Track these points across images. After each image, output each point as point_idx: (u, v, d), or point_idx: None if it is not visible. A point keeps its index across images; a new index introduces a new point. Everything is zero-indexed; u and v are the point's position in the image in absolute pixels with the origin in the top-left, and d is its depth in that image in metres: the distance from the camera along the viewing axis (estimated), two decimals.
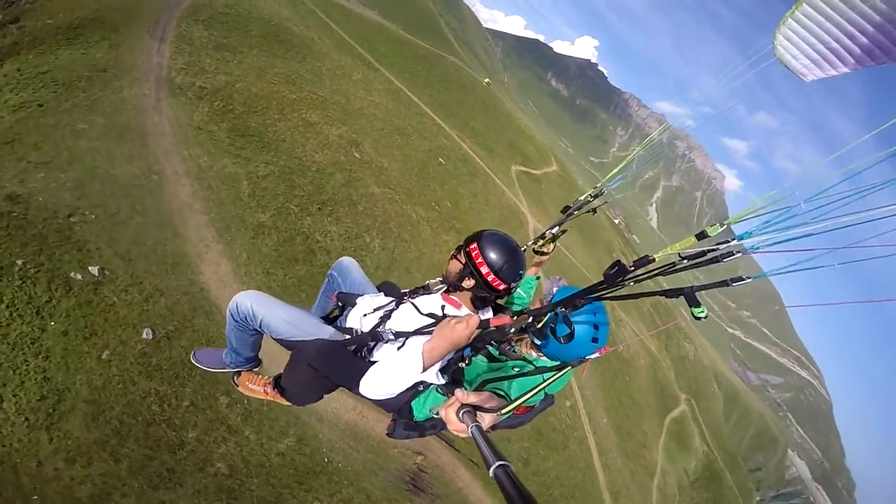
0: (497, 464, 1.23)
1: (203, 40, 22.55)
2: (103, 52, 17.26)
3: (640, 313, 61.71)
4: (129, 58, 17.97)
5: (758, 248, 2.06)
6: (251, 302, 2.86)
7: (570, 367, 2.63)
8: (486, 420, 1.68)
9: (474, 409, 1.66)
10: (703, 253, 2.15)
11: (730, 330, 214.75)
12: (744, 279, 2.14)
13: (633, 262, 2.16)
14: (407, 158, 26.35)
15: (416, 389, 2.57)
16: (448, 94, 46.85)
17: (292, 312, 2.93)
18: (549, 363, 2.75)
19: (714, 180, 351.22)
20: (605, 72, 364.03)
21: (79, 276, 9.71)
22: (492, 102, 59.89)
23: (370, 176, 21.51)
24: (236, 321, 2.95)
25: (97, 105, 14.52)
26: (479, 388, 2.49)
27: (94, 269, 9.93)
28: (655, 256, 2.20)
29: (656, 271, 2.25)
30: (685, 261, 2.18)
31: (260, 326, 2.90)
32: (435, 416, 2.33)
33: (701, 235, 2.29)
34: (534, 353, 2.82)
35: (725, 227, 2.34)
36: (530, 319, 2.61)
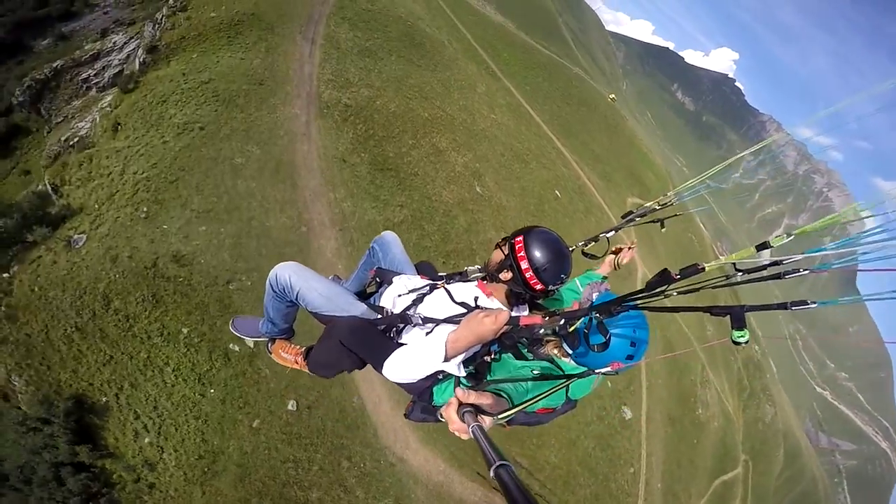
0: (498, 464, 1.22)
1: (349, 43, 23.07)
2: (260, 57, 18.31)
3: (727, 372, 55.95)
4: (283, 65, 18.89)
5: (830, 267, 1.81)
6: (290, 273, 2.87)
7: (593, 374, 2.53)
8: (488, 420, 1.65)
9: (475, 409, 1.63)
10: (764, 267, 1.94)
11: (818, 390, 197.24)
12: (808, 304, 1.80)
13: (680, 270, 2.04)
14: (525, 192, 26.05)
15: (437, 380, 2.58)
16: (569, 110, 44.75)
17: (328, 287, 2.93)
18: (574, 368, 2.64)
19: (850, 227, 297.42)
20: (741, 88, 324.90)
21: (236, 349, 10.83)
22: (614, 121, 56.39)
23: (489, 216, 21.65)
24: (275, 291, 2.96)
25: (254, 129, 15.58)
26: (482, 389, 2.39)
27: (250, 342, 10.62)
28: (706, 266, 2.04)
29: (703, 283, 2.07)
30: (740, 273, 2.01)
31: (296, 298, 2.91)
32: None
33: (762, 246, 2.14)
34: (561, 356, 2.69)
35: (792, 237, 2.12)
36: (562, 322, 2.40)
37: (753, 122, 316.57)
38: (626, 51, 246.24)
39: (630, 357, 2.49)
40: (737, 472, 49.21)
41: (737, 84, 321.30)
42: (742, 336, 1.87)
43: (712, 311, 1.94)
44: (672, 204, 3.58)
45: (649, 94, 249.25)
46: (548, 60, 50.97)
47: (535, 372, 2.57)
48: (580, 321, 2.34)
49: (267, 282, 2.99)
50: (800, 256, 1.84)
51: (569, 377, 2.48)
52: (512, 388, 2.33)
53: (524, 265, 2.59)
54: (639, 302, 2.09)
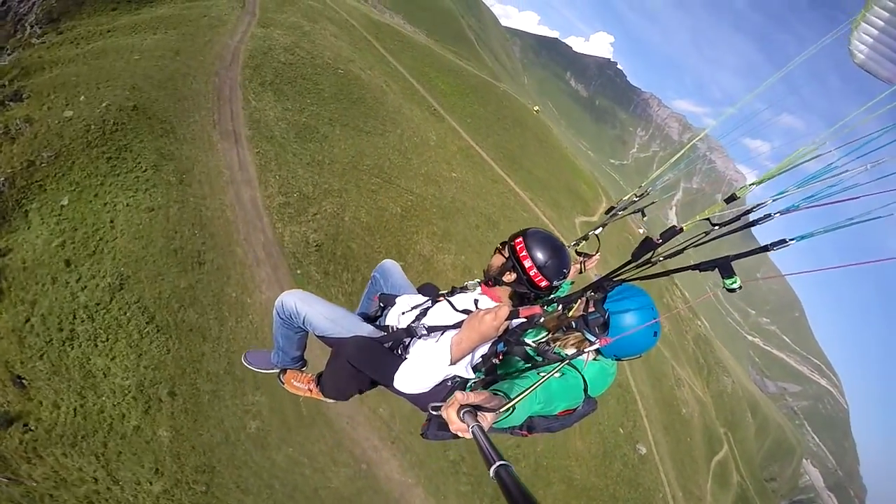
0: (498, 464, 1.22)
1: (282, 125, 18.91)
2: (175, 200, 12.86)
3: (686, 356, 60.58)
4: (214, 204, 13.66)
5: (797, 207, 1.94)
6: (295, 300, 2.91)
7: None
8: (488, 419, 1.66)
9: (475, 409, 1.64)
10: (737, 218, 2.04)
11: (749, 338, 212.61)
12: (787, 241, 1.88)
13: (661, 234, 2.13)
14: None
15: (452, 387, 2.56)
16: (508, 136, 44.26)
17: (334, 310, 2.96)
18: (592, 365, 2.63)
19: (735, 182, 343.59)
20: (623, 70, 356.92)
21: None
22: (543, 135, 56.90)
23: None
24: (282, 318, 3.00)
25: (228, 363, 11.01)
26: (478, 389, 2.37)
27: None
28: (684, 226, 2.14)
29: (687, 242, 2.15)
30: (716, 227, 2.14)
31: (303, 323, 2.93)
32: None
33: (731, 199, 2.24)
34: (589, 355, 2.63)
35: (754, 186, 2.17)
36: (560, 307, 2.53)
37: (638, 101, 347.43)
38: (521, 44, 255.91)
39: (655, 334, 2.49)
40: (724, 449, 53.73)
41: (618, 67, 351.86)
42: (733, 282, 1.96)
43: (700, 267, 2.00)
44: (648, 193, 3.51)
45: (547, 85, 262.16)
46: (477, 81, 49.80)
47: (542, 375, 2.24)
48: (591, 314, 2.40)
49: (273, 310, 3.03)
50: (769, 200, 1.96)
51: (562, 360, 2.29)
52: (506, 387, 2.13)
53: (527, 264, 2.57)
54: (628, 274, 2.26)
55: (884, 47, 2.82)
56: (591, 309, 2.49)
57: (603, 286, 2.32)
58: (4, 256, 10.00)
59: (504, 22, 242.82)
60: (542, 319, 2.41)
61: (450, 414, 1.64)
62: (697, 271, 1.99)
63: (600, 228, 3.63)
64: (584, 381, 2.52)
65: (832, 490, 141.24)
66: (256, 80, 20.98)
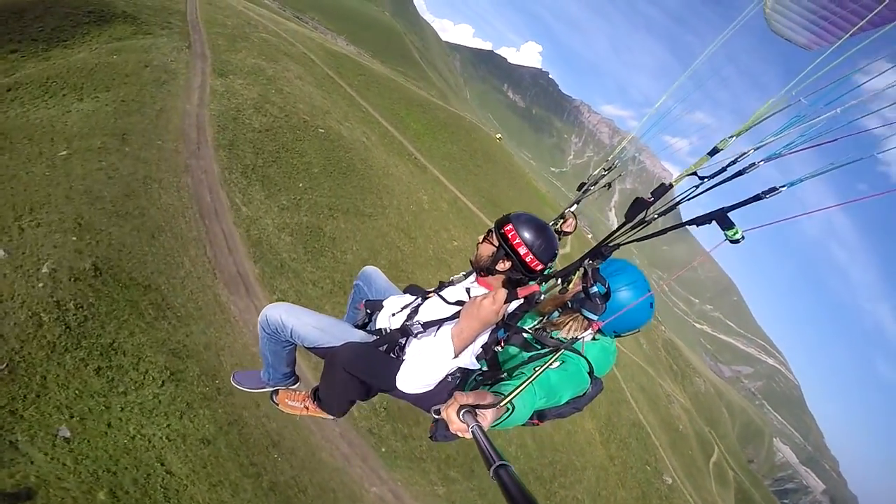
0: (498, 464, 1.21)
1: (287, 242, 15.44)
2: (202, 402, 9.27)
3: (662, 366, 64.73)
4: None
5: (780, 154, 1.99)
6: (280, 312, 2.77)
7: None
8: (488, 419, 1.65)
9: (475, 408, 1.62)
10: (723, 169, 2.03)
11: (698, 326, 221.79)
12: (778, 189, 1.83)
13: (652, 192, 2.12)
14: None
15: (454, 383, 2.53)
16: (481, 173, 44.12)
17: (321, 319, 2.85)
18: (592, 346, 2.56)
19: (664, 180, 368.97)
20: (555, 80, 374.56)
21: None
22: (509, 164, 56.84)
23: None
24: (267, 333, 2.85)
25: None
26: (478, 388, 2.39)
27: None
28: (673, 182, 2.13)
29: (679, 198, 2.14)
30: (705, 180, 2.11)
31: (291, 336, 2.78)
32: None
33: (713, 152, 2.19)
34: (586, 335, 2.52)
35: (734, 138, 2.17)
36: (559, 280, 2.51)
37: (570, 108, 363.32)
38: (460, 58, 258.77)
39: (651, 305, 2.52)
40: (716, 450, 55.86)
41: (550, 76, 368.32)
42: (735, 233, 1.88)
43: (697, 222, 1.97)
44: (615, 167, 3.46)
45: (487, 98, 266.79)
46: (445, 115, 48.02)
47: (536, 370, 2.08)
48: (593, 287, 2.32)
49: (258, 326, 2.88)
50: (752, 150, 2.00)
51: (557, 350, 2.29)
52: (507, 388, 2.02)
53: (522, 250, 2.48)
54: (624, 237, 2.21)
55: (796, 15, 2.81)
56: (591, 280, 2.35)
57: (601, 252, 2.21)
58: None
59: (442, 36, 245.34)
60: (541, 297, 2.41)
61: (449, 414, 1.60)
62: (695, 226, 1.99)
63: (575, 205, 3.64)
64: (589, 363, 2.43)
65: (806, 465, 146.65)
66: (237, 169, 17.28)
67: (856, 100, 1.87)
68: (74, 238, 10.04)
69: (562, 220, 3.58)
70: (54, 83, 17.35)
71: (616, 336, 2.65)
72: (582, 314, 2.50)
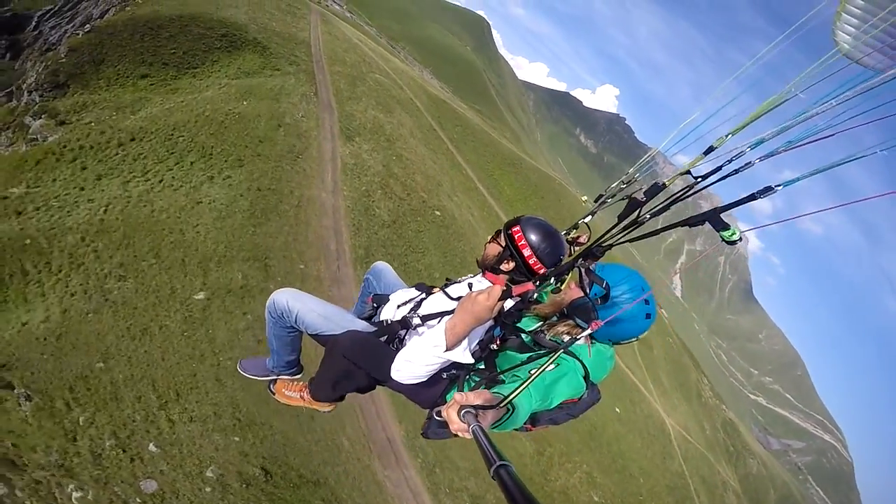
0: (498, 464, 1.22)
1: None
2: None
3: (720, 449, 61.97)
4: None
5: (777, 152, 1.96)
6: (287, 297, 2.76)
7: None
8: (488, 419, 1.65)
9: (475, 408, 1.62)
10: (719, 168, 2.03)
11: (752, 397, 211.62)
12: (773, 188, 1.80)
13: (645, 191, 2.16)
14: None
15: (450, 379, 2.54)
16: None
17: (326, 307, 2.84)
18: (588, 351, 2.51)
19: (739, 245, 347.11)
20: (632, 127, 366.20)
21: None
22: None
23: None
24: (273, 318, 2.84)
25: None
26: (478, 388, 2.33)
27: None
28: (666, 181, 2.19)
29: (673, 197, 2.10)
30: (699, 179, 2.11)
31: (295, 321, 2.78)
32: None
33: (708, 150, 2.20)
34: (580, 341, 2.33)
35: (730, 136, 2.14)
36: (553, 280, 2.44)
37: (649, 164, 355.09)
38: (534, 98, 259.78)
39: (648, 315, 2.48)
40: None
41: (626, 122, 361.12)
42: (732, 234, 1.85)
43: (689, 222, 1.96)
44: (636, 180, 3.31)
45: (558, 141, 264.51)
46: (536, 177, 46.56)
47: (532, 372, 2.05)
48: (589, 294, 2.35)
49: (266, 310, 2.86)
50: (748, 149, 1.98)
51: (554, 351, 2.15)
52: (506, 389, 1.99)
53: (526, 252, 2.51)
54: (617, 237, 2.20)
55: (866, 36, 2.75)
56: (588, 281, 2.36)
57: (594, 253, 2.25)
58: None
59: (517, 73, 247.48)
60: (534, 296, 2.34)
61: (450, 414, 1.59)
62: (688, 226, 1.95)
63: (590, 216, 3.45)
64: (585, 367, 2.39)
65: None
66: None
67: (856, 94, 1.78)
68: (238, 439, 8.89)
69: (575, 231, 3.43)
70: (181, 137, 15.83)
71: (613, 344, 2.60)
72: (575, 322, 2.52)
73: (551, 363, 2.05)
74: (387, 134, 24.29)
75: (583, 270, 2.25)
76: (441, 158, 30.07)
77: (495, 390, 1.97)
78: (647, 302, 2.44)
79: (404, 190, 20.88)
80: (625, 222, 2.16)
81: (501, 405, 1.69)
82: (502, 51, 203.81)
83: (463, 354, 2.33)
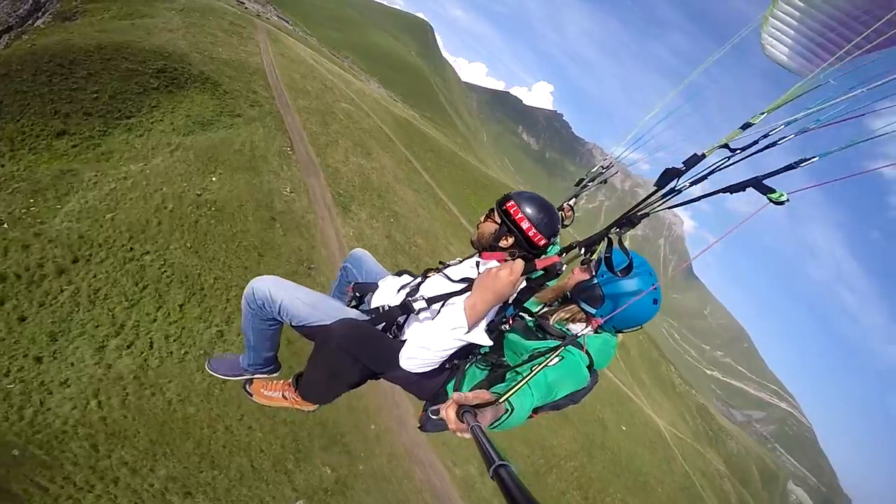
0: (498, 463, 1.20)
1: None
2: None
3: (695, 433, 62.22)
4: None
5: (809, 128, 2.03)
6: (269, 285, 2.49)
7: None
8: (487, 418, 1.62)
9: (474, 408, 1.60)
10: (756, 142, 2.05)
11: (708, 372, 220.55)
12: (810, 159, 1.85)
13: (684, 161, 2.10)
14: None
15: (452, 369, 2.45)
16: None
17: (312, 295, 2.60)
18: (592, 340, 2.45)
19: (674, 226, 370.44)
20: (569, 122, 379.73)
21: None
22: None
23: None
24: (252, 309, 2.55)
25: None
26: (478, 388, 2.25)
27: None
28: (705, 152, 2.11)
29: (710, 168, 2.11)
30: (738, 151, 2.11)
31: (279, 312, 2.50)
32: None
33: (746, 126, 2.22)
34: (587, 329, 2.42)
35: (765, 115, 2.19)
36: (583, 250, 2.29)
37: (583, 151, 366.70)
38: (477, 99, 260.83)
39: (655, 301, 2.40)
40: None
41: (564, 118, 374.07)
42: (780, 196, 1.80)
43: (731, 189, 1.92)
44: (612, 165, 3.57)
45: (503, 140, 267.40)
46: (504, 192, 46.38)
47: (534, 369, 2.04)
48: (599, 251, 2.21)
49: (243, 299, 2.59)
50: (782, 126, 2.05)
51: (558, 345, 2.15)
52: (505, 388, 1.97)
53: (525, 225, 2.42)
54: (654, 205, 2.12)
55: (790, 40, 3.00)
56: (612, 249, 2.16)
57: (631, 220, 2.09)
58: None
59: (459, 75, 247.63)
60: (562, 269, 2.33)
61: (448, 414, 1.58)
62: (729, 193, 1.92)
63: (573, 199, 3.62)
64: (590, 357, 2.35)
65: None
66: None
67: (878, 83, 1.87)
68: None
69: (560, 212, 3.39)
70: (146, 254, 11.54)
71: (617, 332, 2.53)
72: (580, 306, 2.47)
73: (551, 360, 2.04)
74: (375, 187, 21.11)
75: (616, 239, 2.08)
76: (427, 200, 27.32)
77: (494, 390, 1.93)
78: (654, 288, 2.35)
79: (412, 261, 17.94)
80: (663, 190, 2.02)
81: (499, 403, 1.66)
82: (444, 53, 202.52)
83: (483, 335, 2.21)
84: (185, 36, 25.14)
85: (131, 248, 11.19)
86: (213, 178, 14.69)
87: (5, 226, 11.32)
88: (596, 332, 2.46)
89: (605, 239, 2.14)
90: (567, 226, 3.47)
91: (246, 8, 54.51)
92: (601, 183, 3.74)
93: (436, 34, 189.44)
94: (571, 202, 3.69)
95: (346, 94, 33.90)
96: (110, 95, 18.20)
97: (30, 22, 32.75)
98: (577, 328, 2.45)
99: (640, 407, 42.97)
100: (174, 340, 9.89)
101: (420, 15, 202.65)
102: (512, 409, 1.78)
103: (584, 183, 3.71)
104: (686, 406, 68.56)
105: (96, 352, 9.08)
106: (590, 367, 2.36)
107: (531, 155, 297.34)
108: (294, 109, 23.78)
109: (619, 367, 47.69)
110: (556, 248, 2.95)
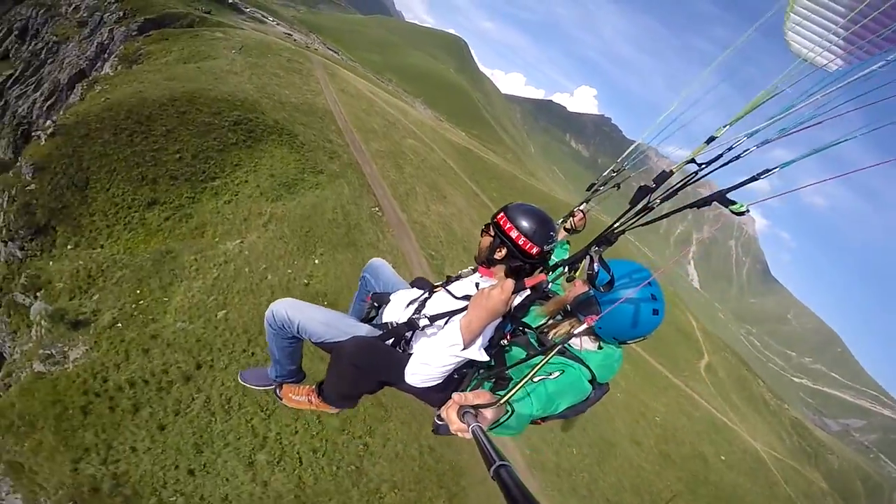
0: (498, 464, 1.21)
1: None
2: None
3: (805, 455, 61.70)
4: None
5: (773, 138, 2.09)
6: (286, 308, 2.73)
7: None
8: (488, 419, 1.66)
9: (474, 408, 1.62)
10: (720, 156, 2.14)
11: (796, 380, 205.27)
12: (770, 170, 1.94)
13: (654, 178, 2.17)
14: None
15: (460, 380, 2.49)
16: None
17: (326, 314, 2.79)
18: (594, 354, 2.47)
19: (745, 226, 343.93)
20: (618, 125, 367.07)
21: None
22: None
23: None
24: (274, 329, 2.80)
25: None
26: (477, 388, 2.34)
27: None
28: (673, 169, 2.18)
29: (680, 183, 2.17)
30: (703, 166, 2.19)
31: (298, 331, 2.75)
32: None
33: (710, 140, 2.29)
34: (587, 344, 2.49)
35: (727, 128, 2.25)
36: (566, 269, 2.44)
37: (637, 154, 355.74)
38: (520, 110, 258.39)
39: (655, 312, 2.35)
40: None
41: (613, 122, 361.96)
42: (739, 207, 1.93)
43: (698, 204, 2.02)
44: (624, 169, 3.52)
45: (551, 150, 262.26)
46: (566, 211, 45.83)
47: (537, 380, 2.23)
48: (597, 276, 2.19)
49: (265, 321, 2.84)
50: (744, 138, 2.12)
51: (551, 349, 2.11)
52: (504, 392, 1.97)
53: (514, 234, 2.51)
54: (629, 222, 2.19)
55: (813, 35, 2.91)
56: (595, 266, 2.19)
57: (608, 238, 2.15)
58: None
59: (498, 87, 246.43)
60: (548, 286, 2.44)
61: (449, 415, 1.61)
62: (696, 208, 2.01)
63: (584, 204, 3.64)
64: (591, 371, 2.39)
65: None
66: None
67: (837, 87, 1.94)
68: None
69: (572, 217, 3.57)
70: (243, 354, 10.84)
71: (621, 344, 2.53)
72: (578, 318, 2.48)
73: (553, 371, 2.20)
74: (459, 238, 20.12)
75: (596, 257, 2.12)
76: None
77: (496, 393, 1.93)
78: (654, 298, 2.33)
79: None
80: (637, 208, 2.12)
81: (499, 403, 1.69)
82: (480, 67, 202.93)
83: (479, 352, 2.28)
84: (250, 79, 25.48)
85: (253, 353, 10.64)
86: (316, 261, 14.04)
87: (119, 325, 11.06)
88: (599, 346, 2.47)
89: (587, 257, 2.14)
90: (580, 231, 3.54)
91: (295, 40, 56.35)
92: (614, 187, 3.61)
93: (470, 49, 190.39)
94: (583, 207, 3.70)
95: (408, 127, 33.64)
96: (192, 155, 18.23)
97: (98, 64, 34.78)
98: (577, 342, 2.46)
99: (737, 433, 40.51)
100: (322, 455, 9.27)
101: (451, 31, 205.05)
102: (512, 411, 1.82)
103: (595, 188, 3.66)
104: (781, 423, 65.28)
105: (247, 467, 8.58)
106: (592, 381, 2.39)
107: (582, 162, 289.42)
108: (369, 156, 23.35)
109: (709, 393, 44.55)
110: (563, 253, 3.23)
